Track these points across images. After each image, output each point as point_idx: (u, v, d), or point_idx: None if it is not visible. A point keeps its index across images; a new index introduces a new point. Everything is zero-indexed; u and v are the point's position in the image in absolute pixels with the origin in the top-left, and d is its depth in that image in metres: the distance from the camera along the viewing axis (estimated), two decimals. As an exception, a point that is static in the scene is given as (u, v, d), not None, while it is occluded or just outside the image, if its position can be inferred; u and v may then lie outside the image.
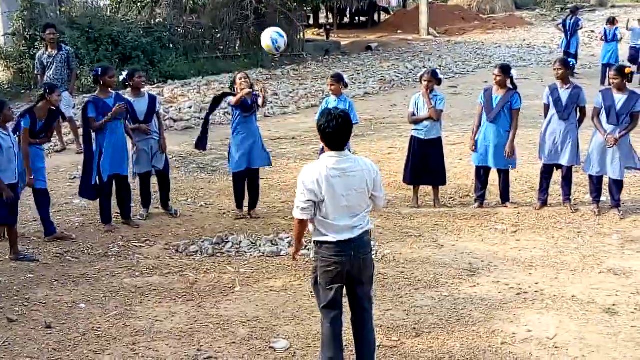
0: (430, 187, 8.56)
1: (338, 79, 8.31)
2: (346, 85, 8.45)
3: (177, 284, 6.29)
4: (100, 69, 7.64)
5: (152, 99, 8.10)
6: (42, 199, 7.30)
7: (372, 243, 5.41)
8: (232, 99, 7.96)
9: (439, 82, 8.35)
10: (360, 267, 4.49)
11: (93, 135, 7.64)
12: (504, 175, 8.30)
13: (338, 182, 4.36)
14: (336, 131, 4.37)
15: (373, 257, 4.72)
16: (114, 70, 7.94)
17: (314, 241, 4.55)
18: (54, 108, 7.38)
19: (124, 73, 8.02)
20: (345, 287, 4.57)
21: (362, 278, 4.55)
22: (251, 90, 7.88)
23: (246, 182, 8.16)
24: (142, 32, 18.86)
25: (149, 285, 6.25)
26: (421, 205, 8.45)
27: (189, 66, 19.52)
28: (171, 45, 20.04)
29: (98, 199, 7.69)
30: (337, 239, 4.39)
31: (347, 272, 4.47)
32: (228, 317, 5.60)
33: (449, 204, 8.60)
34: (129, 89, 8.15)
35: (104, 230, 7.64)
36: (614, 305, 5.69)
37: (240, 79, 8.00)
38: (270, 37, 7.71)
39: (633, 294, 5.92)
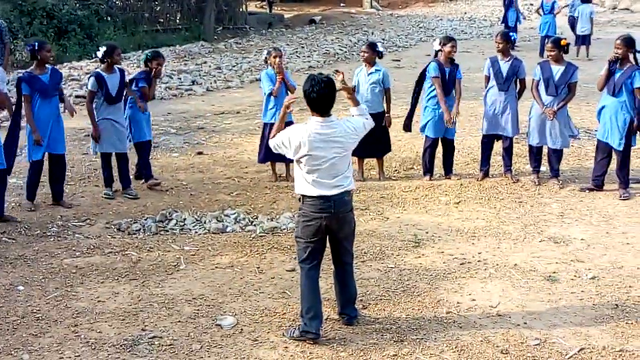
0: (375, 161, 8.58)
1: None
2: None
3: (120, 263, 6.14)
4: (36, 43, 7.35)
5: (122, 73, 7.89)
6: None
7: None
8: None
9: (379, 54, 8.30)
10: (339, 223, 4.71)
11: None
12: (450, 146, 8.38)
13: (321, 146, 4.55)
14: (320, 96, 4.53)
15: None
16: (50, 44, 7.66)
17: (298, 195, 4.76)
18: None
19: (102, 49, 7.75)
20: (328, 243, 4.82)
21: (342, 234, 4.79)
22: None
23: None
24: (78, 5, 18.33)
25: (90, 265, 6.09)
26: (366, 179, 8.47)
27: (127, 40, 19.07)
28: (109, 19, 19.54)
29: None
30: (318, 193, 4.59)
31: (328, 228, 4.68)
32: (173, 295, 5.51)
33: (394, 176, 8.65)
34: (102, 65, 7.84)
35: (22, 208, 7.37)
36: (554, 272, 5.82)
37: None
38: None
39: (573, 261, 6.07)
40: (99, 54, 7.76)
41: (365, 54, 8.20)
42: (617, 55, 7.40)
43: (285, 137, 4.68)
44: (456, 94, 8.20)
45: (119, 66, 7.85)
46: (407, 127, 8.61)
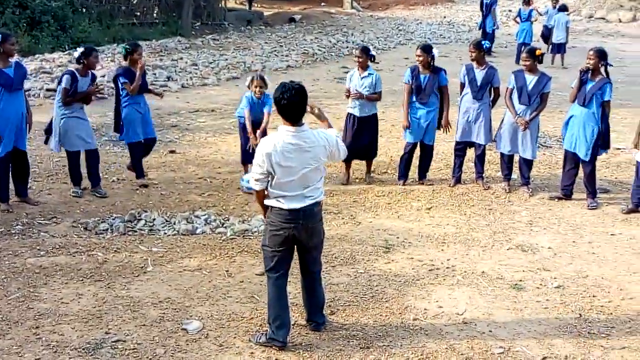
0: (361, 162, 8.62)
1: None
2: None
3: (85, 264, 6.06)
4: (0, 35, 7.21)
5: (94, 78, 7.79)
6: None
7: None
8: None
9: (372, 58, 8.30)
10: (308, 234, 4.66)
11: None
12: (427, 151, 8.41)
13: (292, 156, 4.46)
14: (291, 103, 4.44)
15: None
16: (14, 37, 7.51)
17: (266, 205, 4.66)
18: None
19: (80, 50, 7.64)
20: (296, 252, 4.80)
21: (310, 244, 4.75)
22: None
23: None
24: (52, -5, 18.02)
25: (55, 265, 5.99)
26: (351, 182, 8.47)
27: (103, 32, 18.83)
28: (84, 10, 19.26)
29: None
30: (287, 207, 4.53)
31: (296, 239, 4.64)
32: (139, 298, 5.45)
33: (368, 180, 8.64)
34: (78, 66, 7.71)
35: (0, 210, 7.24)
36: (520, 281, 5.87)
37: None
38: None
39: (539, 269, 6.12)
40: (76, 54, 7.66)
41: (360, 59, 8.18)
42: (588, 65, 7.47)
43: (256, 162, 4.54)
44: (444, 101, 8.18)
45: (93, 71, 7.76)
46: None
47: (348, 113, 8.37)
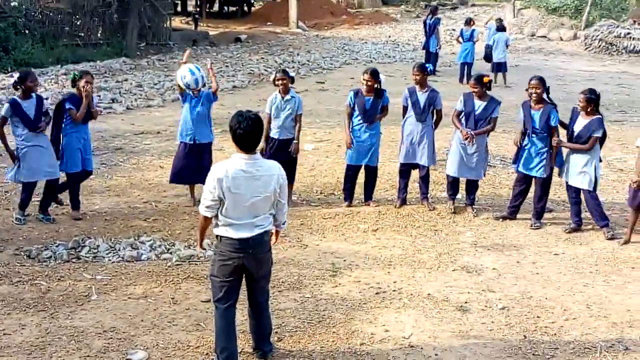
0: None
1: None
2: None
3: (28, 293, 5.92)
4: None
5: (40, 100, 7.64)
6: None
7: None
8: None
9: (292, 80, 8.36)
10: (257, 264, 4.66)
11: None
12: (372, 174, 8.50)
13: (244, 183, 4.47)
14: (247, 133, 4.47)
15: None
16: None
17: (215, 235, 4.64)
18: None
19: (15, 76, 7.54)
20: (243, 281, 4.76)
21: (258, 274, 4.74)
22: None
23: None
24: (-7, 17, 17.67)
25: (-4, 295, 5.85)
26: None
27: (46, 54, 18.52)
28: (27, 32, 18.91)
29: None
30: (237, 236, 4.51)
31: (245, 268, 4.63)
32: (83, 328, 5.35)
33: (315, 202, 8.68)
34: (18, 91, 7.58)
35: None
36: (466, 302, 5.97)
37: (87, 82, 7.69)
38: (189, 69, 7.88)
39: (484, 290, 6.23)
40: (12, 80, 7.55)
41: (283, 81, 8.18)
42: (536, 94, 7.67)
43: (207, 189, 4.51)
44: (372, 115, 8.22)
45: (36, 93, 7.63)
46: None
47: (270, 137, 8.27)
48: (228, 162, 4.55)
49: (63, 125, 7.75)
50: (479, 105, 8.02)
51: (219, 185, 4.44)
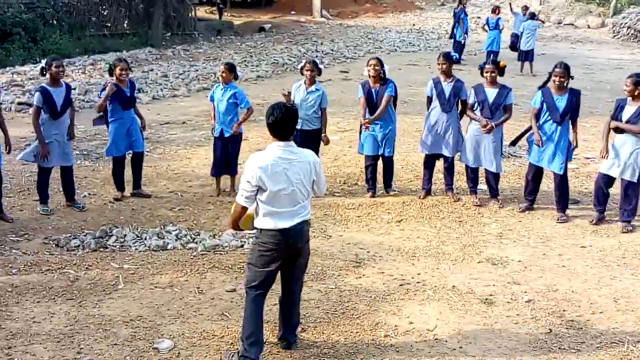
0: None
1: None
2: (236, 77, 8.37)
3: (57, 281, 6.02)
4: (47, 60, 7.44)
5: (68, 89, 7.76)
6: None
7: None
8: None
9: (319, 72, 8.37)
10: (296, 254, 4.72)
11: None
12: (388, 164, 8.48)
13: (283, 171, 4.52)
14: (281, 120, 4.51)
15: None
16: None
17: (255, 227, 4.67)
18: None
19: (43, 62, 7.63)
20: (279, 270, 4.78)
21: (296, 264, 4.79)
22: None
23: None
24: (23, 8, 17.91)
25: (27, 283, 5.94)
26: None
27: (74, 44, 18.73)
28: (55, 22, 19.16)
29: None
30: (277, 226, 4.55)
31: (283, 258, 4.67)
32: (110, 316, 5.42)
33: (339, 192, 8.69)
34: (47, 78, 7.69)
35: None
36: (490, 295, 5.94)
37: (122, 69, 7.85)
38: None
39: (509, 283, 6.19)
40: (39, 66, 7.64)
41: (311, 72, 8.21)
42: (562, 81, 7.57)
43: (245, 179, 4.53)
44: (379, 107, 8.18)
45: (65, 81, 7.74)
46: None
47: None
48: (265, 151, 4.61)
49: (109, 113, 7.94)
50: (491, 93, 7.96)
51: (258, 174, 4.48)
